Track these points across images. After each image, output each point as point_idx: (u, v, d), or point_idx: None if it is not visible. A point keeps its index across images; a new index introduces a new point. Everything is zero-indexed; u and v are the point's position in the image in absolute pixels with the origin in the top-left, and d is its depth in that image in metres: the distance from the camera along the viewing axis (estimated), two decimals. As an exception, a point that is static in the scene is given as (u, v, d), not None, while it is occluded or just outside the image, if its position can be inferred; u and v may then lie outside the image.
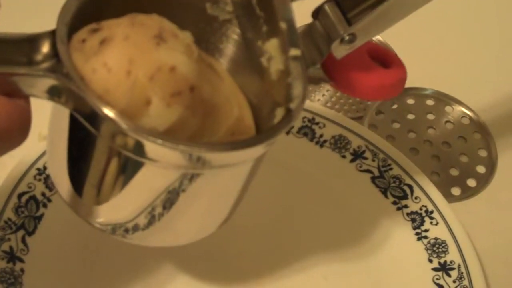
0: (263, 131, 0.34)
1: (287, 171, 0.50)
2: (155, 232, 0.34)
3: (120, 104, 0.29)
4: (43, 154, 0.46)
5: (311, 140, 0.51)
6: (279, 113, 0.31)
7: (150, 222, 0.33)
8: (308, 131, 0.51)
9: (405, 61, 0.58)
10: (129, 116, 0.29)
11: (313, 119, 0.52)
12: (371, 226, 0.49)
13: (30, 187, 0.45)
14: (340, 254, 0.48)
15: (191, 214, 0.34)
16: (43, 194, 0.45)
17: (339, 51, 0.34)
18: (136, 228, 0.34)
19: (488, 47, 0.61)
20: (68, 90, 0.28)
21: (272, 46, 0.32)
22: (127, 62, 0.29)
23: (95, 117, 0.28)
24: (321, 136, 0.51)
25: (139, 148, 0.29)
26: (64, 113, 0.30)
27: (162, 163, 0.29)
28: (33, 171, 0.46)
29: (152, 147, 0.28)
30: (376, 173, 0.50)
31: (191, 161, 0.29)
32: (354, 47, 0.34)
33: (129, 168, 0.30)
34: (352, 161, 0.51)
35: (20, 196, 0.45)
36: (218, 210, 0.36)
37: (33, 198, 0.45)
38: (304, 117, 0.52)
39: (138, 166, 0.30)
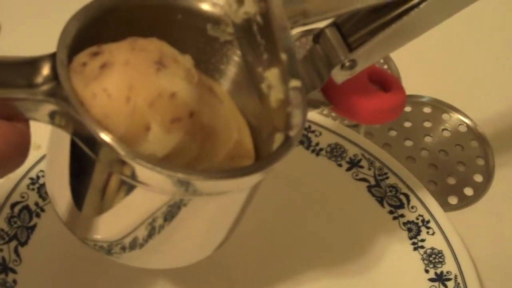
0: (262, 157, 0.33)
1: (283, 180, 0.50)
2: (149, 254, 0.34)
3: (120, 130, 0.28)
4: (37, 163, 0.46)
5: (307, 148, 0.51)
6: (278, 138, 0.31)
7: (143, 243, 0.33)
8: (304, 139, 0.51)
9: (402, 68, 0.59)
10: (128, 142, 0.28)
11: (309, 127, 0.51)
12: (367, 235, 0.48)
13: (23, 197, 0.45)
14: (336, 264, 0.47)
15: (186, 237, 0.34)
16: (36, 204, 0.45)
17: (340, 76, 0.34)
18: (130, 248, 0.33)
19: (485, 55, 0.61)
20: (67, 115, 0.28)
21: (272, 75, 0.32)
22: (127, 88, 0.29)
23: (93, 142, 0.28)
24: (317, 144, 0.51)
25: (137, 174, 0.28)
26: (63, 135, 0.30)
27: (158, 189, 0.29)
28: (26, 181, 0.45)
29: (149, 174, 0.28)
30: (373, 182, 0.49)
31: (188, 188, 0.29)
32: (355, 72, 0.34)
33: (126, 191, 0.30)
34: (348, 169, 0.50)
35: (13, 206, 0.44)
36: (213, 235, 0.35)
37: (26, 208, 0.45)
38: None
39: (135, 190, 0.30)
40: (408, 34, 0.34)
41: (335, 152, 0.51)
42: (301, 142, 0.51)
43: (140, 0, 0.33)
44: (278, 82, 0.31)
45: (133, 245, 0.33)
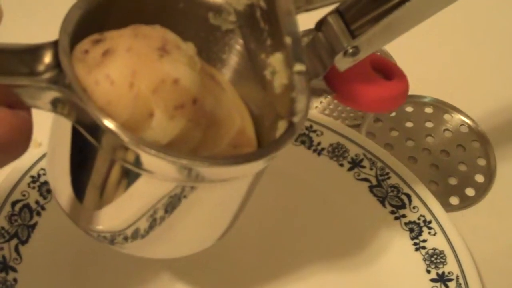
0: (264, 146, 0.33)
1: (284, 179, 0.50)
2: (153, 243, 0.34)
3: (123, 117, 0.28)
4: (38, 161, 0.46)
5: (309, 148, 0.51)
6: (281, 125, 0.31)
7: (147, 232, 0.33)
8: (305, 139, 0.51)
9: (404, 69, 0.58)
10: (132, 129, 0.28)
11: (311, 126, 0.51)
12: (368, 235, 0.48)
13: (24, 195, 0.45)
14: (338, 263, 0.47)
15: (189, 226, 0.34)
16: (37, 202, 0.45)
17: (342, 63, 0.34)
18: (133, 237, 0.33)
19: (487, 55, 0.61)
20: (70, 102, 0.28)
21: (276, 60, 0.31)
22: (130, 74, 0.28)
23: (96, 129, 0.28)
24: (318, 144, 0.51)
25: (141, 161, 0.28)
26: (65, 123, 0.30)
27: (162, 176, 0.29)
28: (27, 179, 0.45)
29: (153, 161, 0.28)
30: (374, 182, 0.49)
31: (192, 175, 0.29)
32: (358, 59, 0.34)
33: (129, 179, 0.30)
34: (350, 169, 0.50)
35: (13, 204, 0.44)
36: (217, 223, 0.35)
37: (27, 206, 0.44)
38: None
39: (139, 178, 0.29)
40: (411, 20, 0.34)
41: (336, 152, 0.50)
42: (303, 142, 0.51)
43: None
44: (282, 67, 0.31)
45: (137, 234, 0.33)
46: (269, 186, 0.47)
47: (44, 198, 0.45)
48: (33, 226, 0.44)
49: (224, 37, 0.35)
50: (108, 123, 0.27)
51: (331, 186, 0.50)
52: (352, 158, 0.50)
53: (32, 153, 0.46)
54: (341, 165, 0.50)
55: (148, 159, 0.28)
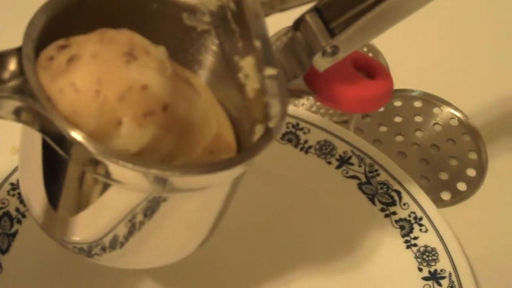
0: (241, 151, 0.32)
1: (271, 178, 0.48)
2: (130, 253, 0.33)
3: (89, 126, 0.27)
4: (17, 168, 0.44)
5: (296, 146, 0.50)
6: (259, 130, 0.30)
7: (124, 242, 0.31)
8: (292, 137, 0.50)
9: (391, 62, 0.57)
10: (99, 138, 0.27)
11: (297, 124, 0.50)
12: (358, 234, 0.47)
13: (3, 203, 0.43)
14: (328, 264, 0.46)
15: (167, 235, 0.33)
16: (17, 210, 0.43)
17: (321, 63, 0.33)
18: (110, 247, 0.32)
19: (476, 47, 0.59)
20: (34, 112, 0.27)
21: (247, 64, 0.30)
22: (96, 81, 0.27)
23: (63, 140, 0.27)
24: (305, 142, 0.50)
25: (110, 172, 0.27)
26: (34, 133, 0.28)
27: (133, 186, 0.28)
28: (7, 186, 0.44)
29: (122, 171, 0.27)
30: (363, 179, 0.48)
31: (164, 185, 0.28)
32: (337, 59, 0.33)
33: (100, 189, 0.29)
34: (338, 167, 0.49)
35: (-8, 213, 0.43)
36: (196, 231, 0.34)
37: (7, 214, 0.43)
38: (288, 123, 0.50)
39: (110, 188, 0.28)
40: (391, 18, 0.32)
41: (324, 150, 0.49)
42: (289, 140, 0.50)
43: None
44: (253, 71, 0.30)
45: (113, 245, 0.32)
46: (255, 186, 0.46)
47: (25, 205, 0.43)
48: (13, 235, 0.43)
49: (200, 38, 0.33)
50: (74, 134, 0.26)
51: (319, 184, 0.49)
52: (340, 156, 0.49)
53: (10, 160, 0.44)
54: (329, 162, 0.49)
55: (117, 170, 0.27)
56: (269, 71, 0.29)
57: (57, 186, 0.30)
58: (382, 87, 0.35)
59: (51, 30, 0.29)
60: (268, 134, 0.29)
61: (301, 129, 0.50)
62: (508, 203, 0.50)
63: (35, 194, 0.32)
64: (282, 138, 0.50)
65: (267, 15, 0.30)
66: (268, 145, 0.29)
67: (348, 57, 0.33)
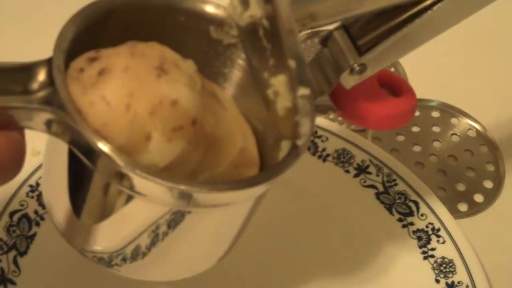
0: (267, 165, 0.32)
1: (289, 186, 0.48)
2: (151, 265, 0.32)
3: (119, 139, 0.27)
4: (36, 170, 0.44)
5: (314, 154, 0.49)
6: (285, 146, 0.29)
7: (145, 253, 0.31)
8: (310, 144, 0.49)
9: (410, 71, 0.57)
10: (128, 152, 0.27)
11: (316, 132, 0.50)
12: (376, 244, 0.46)
13: (22, 205, 0.43)
14: (344, 273, 0.46)
15: (187, 249, 0.32)
16: (35, 212, 0.43)
17: (349, 81, 0.32)
18: (131, 258, 0.31)
19: (494, 58, 0.59)
20: (64, 123, 0.27)
21: (279, 82, 0.29)
22: (127, 95, 0.27)
23: (91, 152, 0.26)
24: (323, 150, 0.49)
25: (138, 186, 0.27)
26: (61, 143, 0.28)
27: (159, 200, 0.27)
28: (26, 188, 0.43)
29: (150, 186, 0.26)
30: (381, 188, 0.48)
31: (191, 200, 0.27)
32: (364, 77, 0.32)
33: (126, 202, 0.28)
34: (355, 176, 0.48)
35: (11, 214, 0.42)
36: (216, 246, 0.33)
37: (26, 216, 0.43)
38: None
39: (136, 201, 0.28)
40: (420, 37, 0.32)
41: (342, 158, 0.49)
42: (308, 148, 0.49)
43: (140, 2, 0.31)
44: (285, 90, 0.29)
45: (134, 256, 0.31)
46: (273, 193, 0.46)
47: (43, 208, 0.43)
48: (32, 237, 0.43)
49: (226, 51, 0.33)
50: (103, 147, 0.26)
51: (336, 193, 0.48)
52: (358, 164, 0.49)
53: (30, 162, 0.44)
54: (347, 171, 0.49)
55: (145, 184, 0.26)
56: (303, 90, 0.29)
57: (81, 195, 0.29)
58: (407, 104, 0.35)
59: (81, 41, 0.29)
60: (295, 152, 0.29)
61: (319, 137, 0.49)
62: (524, 215, 0.50)
63: (58, 201, 0.31)
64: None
65: (299, 32, 0.30)
66: (295, 163, 0.29)
67: (374, 74, 0.33)
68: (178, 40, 0.31)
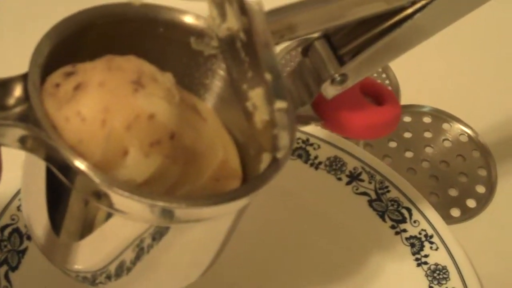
0: (249, 177, 0.31)
1: (281, 194, 0.47)
2: (135, 281, 0.31)
3: (95, 155, 0.26)
4: (27, 183, 0.44)
5: (306, 162, 0.49)
6: (266, 158, 0.28)
7: (130, 269, 0.30)
8: (302, 152, 0.49)
9: (401, 77, 0.56)
10: (105, 168, 0.26)
11: (307, 140, 0.49)
12: (369, 251, 0.46)
13: (13, 219, 0.42)
14: (337, 280, 0.45)
15: (170, 265, 0.31)
16: (27, 226, 0.43)
17: (330, 91, 0.31)
18: (114, 277, 0.30)
19: (486, 63, 0.58)
20: (39, 140, 0.26)
21: (256, 95, 0.29)
22: (102, 110, 0.26)
23: (68, 169, 0.26)
24: (316, 157, 0.49)
25: (115, 202, 0.26)
26: (37, 160, 0.27)
27: (138, 217, 0.27)
28: (16, 202, 0.43)
29: (128, 202, 0.25)
30: (373, 196, 0.47)
31: (171, 215, 0.26)
32: (346, 87, 0.31)
33: (105, 220, 0.27)
34: (348, 183, 0.48)
35: (2, 229, 0.41)
36: (200, 260, 0.32)
37: (17, 230, 0.42)
38: (298, 138, 0.49)
39: (114, 219, 0.27)
40: (401, 46, 0.31)
41: (334, 166, 0.48)
42: (299, 156, 0.49)
43: (119, 14, 0.30)
44: (262, 103, 0.29)
45: (118, 273, 0.30)
46: (264, 201, 0.45)
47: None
48: (23, 252, 0.42)
49: (207, 62, 0.32)
50: (79, 164, 0.25)
51: (329, 201, 0.47)
52: (350, 172, 0.48)
53: (19, 176, 0.44)
54: (339, 179, 0.48)
55: (123, 201, 0.26)
56: (279, 104, 0.28)
57: (60, 213, 0.29)
58: (390, 114, 0.34)
59: (57, 56, 0.28)
60: (275, 165, 0.28)
61: (311, 144, 0.49)
62: (518, 220, 0.49)
63: (37, 218, 0.31)
64: (292, 154, 0.49)
65: (276, 44, 0.28)
66: (276, 175, 0.28)
67: (357, 83, 0.32)
68: (158, 51, 0.30)
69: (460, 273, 0.43)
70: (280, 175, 0.46)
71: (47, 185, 0.28)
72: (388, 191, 0.47)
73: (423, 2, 0.31)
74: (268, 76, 0.27)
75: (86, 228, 0.28)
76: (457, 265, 0.43)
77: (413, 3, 0.31)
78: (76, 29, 0.29)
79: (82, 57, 0.29)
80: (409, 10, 0.31)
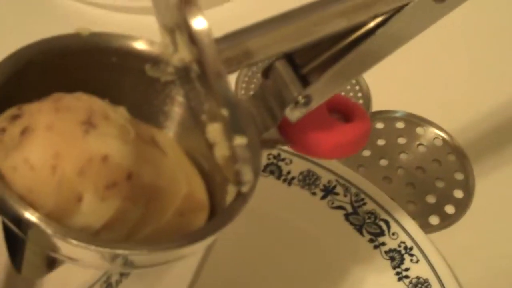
0: (214, 209, 0.30)
1: (253, 213, 0.45)
2: None
3: (47, 205, 0.24)
4: None
5: (278, 178, 0.47)
6: (231, 190, 0.27)
7: None
8: (274, 168, 0.47)
9: (371, 83, 0.55)
10: (59, 217, 0.24)
11: (279, 155, 0.47)
12: (348, 266, 0.44)
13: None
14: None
15: None
16: None
17: (294, 114, 0.29)
18: None
19: (456, 64, 0.57)
20: None
21: (215, 130, 0.27)
22: (52, 156, 0.24)
23: (18, 220, 0.24)
24: (288, 173, 0.47)
25: (71, 252, 0.24)
26: None
27: (98, 265, 0.25)
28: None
29: (85, 252, 0.24)
30: (350, 209, 0.46)
31: (132, 262, 0.25)
32: (310, 109, 0.29)
33: (62, 270, 0.26)
34: (323, 198, 0.46)
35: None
36: None
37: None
38: (269, 154, 0.48)
39: (72, 268, 0.25)
40: (366, 62, 0.30)
41: (308, 180, 0.47)
42: (271, 172, 0.47)
43: (64, 47, 0.28)
44: (221, 138, 0.27)
45: None
46: (237, 221, 0.44)
47: None
48: None
49: (165, 89, 0.30)
50: (29, 215, 0.23)
51: (304, 217, 0.46)
52: (324, 186, 0.47)
53: None
54: (314, 193, 0.47)
55: (79, 251, 0.24)
56: (239, 140, 0.26)
57: (18, 261, 0.27)
58: (359, 130, 0.33)
59: (3, 95, 0.26)
60: (241, 199, 0.27)
61: (283, 159, 0.47)
62: (498, 223, 0.48)
63: None
64: (264, 170, 0.47)
65: (234, 70, 0.27)
66: (242, 210, 0.26)
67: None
68: (112, 81, 0.29)
69: (443, 286, 0.42)
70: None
71: (4, 232, 0.26)
72: (364, 204, 0.45)
73: (384, 16, 0.29)
74: (224, 111, 0.26)
75: (45, 273, 0.27)
76: (439, 277, 0.42)
77: (374, 18, 0.29)
78: (18, 67, 0.27)
79: (29, 95, 0.27)
80: (371, 24, 0.30)
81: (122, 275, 0.27)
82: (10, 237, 0.27)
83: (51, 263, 0.26)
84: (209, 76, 0.26)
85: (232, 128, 0.26)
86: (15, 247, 0.27)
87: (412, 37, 0.30)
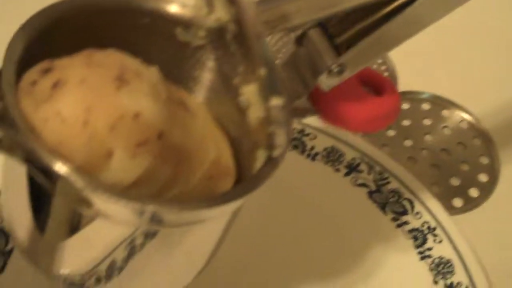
0: (241, 183, 0.29)
1: (277, 187, 0.45)
2: (126, 286, 0.30)
3: (77, 158, 0.24)
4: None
5: (302, 153, 0.47)
6: (260, 155, 0.26)
7: (120, 271, 0.28)
8: (298, 143, 0.47)
9: (399, 64, 0.54)
10: (89, 171, 0.24)
11: (303, 130, 0.47)
12: (369, 245, 0.44)
13: (-4, 220, 0.40)
14: (337, 276, 0.43)
15: (162, 268, 0.29)
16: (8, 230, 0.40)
17: (327, 83, 0.29)
18: (102, 280, 0.28)
19: (485, 48, 0.56)
20: (16, 142, 0.24)
21: (250, 92, 0.27)
22: (84, 110, 0.24)
23: (48, 173, 0.23)
24: (312, 148, 0.47)
25: (100, 207, 0.24)
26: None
27: (126, 221, 0.25)
28: None
29: (117, 208, 0.24)
30: (373, 187, 0.45)
31: (161, 219, 0.24)
32: (344, 79, 0.29)
33: (90, 225, 0.25)
34: (346, 174, 0.46)
35: (-15, 230, 0.40)
36: (193, 263, 0.31)
37: (1, 230, 0.40)
38: (293, 128, 0.47)
39: (101, 223, 0.25)
40: (402, 34, 0.29)
41: (331, 156, 0.46)
42: (295, 147, 0.47)
43: (97, 5, 0.28)
44: (257, 99, 0.27)
45: (109, 275, 0.29)
46: (260, 196, 0.43)
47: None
48: (9, 253, 0.40)
49: (195, 53, 0.30)
50: (60, 167, 0.23)
51: (327, 193, 0.45)
52: (348, 163, 0.46)
53: None
54: (337, 170, 0.46)
55: (109, 205, 0.24)
56: (275, 100, 0.26)
57: (42, 215, 0.26)
58: (390, 104, 0.32)
59: (33, 51, 0.26)
60: (271, 164, 0.26)
61: (307, 135, 0.47)
62: (522, 208, 0.48)
63: (19, 220, 0.28)
64: (287, 145, 0.47)
65: (268, 35, 0.26)
66: (271, 175, 0.26)
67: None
68: (142, 43, 0.28)
69: (465, 266, 0.41)
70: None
71: (29, 187, 0.26)
72: (388, 182, 0.45)
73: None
74: (262, 71, 0.25)
75: (72, 230, 0.26)
76: (462, 258, 0.42)
77: None
78: (51, 22, 0.27)
79: (60, 52, 0.26)
80: None
81: (146, 237, 0.26)
82: (36, 192, 0.26)
83: (76, 222, 0.26)
84: (249, 36, 0.25)
85: (269, 87, 0.26)
86: (40, 204, 0.26)
87: (449, 11, 0.29)
